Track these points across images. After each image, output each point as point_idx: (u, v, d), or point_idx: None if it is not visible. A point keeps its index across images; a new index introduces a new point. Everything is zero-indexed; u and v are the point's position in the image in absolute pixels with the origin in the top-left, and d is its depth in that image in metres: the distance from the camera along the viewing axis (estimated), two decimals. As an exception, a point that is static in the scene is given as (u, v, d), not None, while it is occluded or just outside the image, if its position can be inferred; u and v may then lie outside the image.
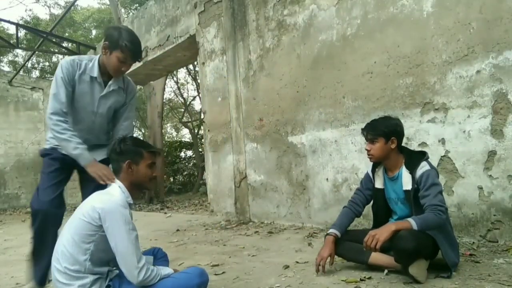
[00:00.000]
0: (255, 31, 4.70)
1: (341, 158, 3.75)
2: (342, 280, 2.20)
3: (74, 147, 2.08)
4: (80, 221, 1.68)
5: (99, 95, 2.28)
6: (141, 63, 2.04)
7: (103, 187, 1.94)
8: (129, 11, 16.24)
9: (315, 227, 3.95)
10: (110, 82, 2.29)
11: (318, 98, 3.95)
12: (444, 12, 2.99)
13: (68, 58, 2.21)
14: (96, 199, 1.74)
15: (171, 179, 13.02)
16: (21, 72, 11.69)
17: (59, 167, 2.26)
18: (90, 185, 2.09)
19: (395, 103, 3.31)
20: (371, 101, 3.48)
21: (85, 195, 2.16)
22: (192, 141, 14.25)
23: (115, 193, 1.78)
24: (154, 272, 1.71)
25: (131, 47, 2.12)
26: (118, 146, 1.87)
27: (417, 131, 3.15)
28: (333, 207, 3.81)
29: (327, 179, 3.89)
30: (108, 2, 12.31)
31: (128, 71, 2.30)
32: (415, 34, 3.16)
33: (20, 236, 5.13)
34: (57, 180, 2.24)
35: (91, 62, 2.23)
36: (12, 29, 17.51)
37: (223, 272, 2.57)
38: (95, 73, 2.22)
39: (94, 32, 18.93)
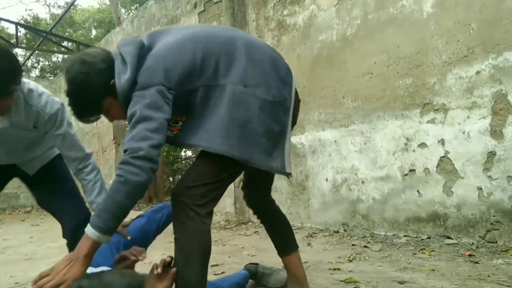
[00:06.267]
0: (255, 31, 4.69)
1: (341, 159, 3.75)
2: (341, 281, 2.20)
3: None
4: None
5: None
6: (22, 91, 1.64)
7: (59, 191, 1.88)
8: (129, 11, 16.26)
9: (315, 227, 3.95)
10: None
11: (318, 98, 3.95)
12: (444, 12, 2.99)
13: None
14: None
15: (171, 179, 13.00)
16: (21, 72, 11.67)
17: None
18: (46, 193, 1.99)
19: (395, 104, 3.31)
20: (371, 102, 3.48)
21: (43, 203, 2.05)
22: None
23: None
24: None
25: None
26: None
27: (417, 131, 3.15)
28: (333, 208, 3.81)
29: (326, 179, 3.89)
30: (108, 2, 12.30)
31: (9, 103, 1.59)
32: (415, 35, 3.17)
33: (19, 235, 5.13)
34: None
35: None
36: (12, 29, 17.53)
37: (223, 272, 2.57)
38: None
39: (94, 32, 18.95)
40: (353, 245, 3.13)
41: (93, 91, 1.38)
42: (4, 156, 1.92)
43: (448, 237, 2.93)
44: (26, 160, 2.00)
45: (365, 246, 3.04)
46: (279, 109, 1.42)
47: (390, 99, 3.34)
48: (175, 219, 1.37)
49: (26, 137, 1.87)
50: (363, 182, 3.55)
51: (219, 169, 1.39)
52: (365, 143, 3.54)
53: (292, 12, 4.24)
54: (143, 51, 1.39)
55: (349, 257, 2.73)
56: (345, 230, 3.64)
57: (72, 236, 1.93)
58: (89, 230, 1.24)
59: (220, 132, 1.32)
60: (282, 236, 1.85)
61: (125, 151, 1.26)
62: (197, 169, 1.39)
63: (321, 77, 3.93)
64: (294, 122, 1.61)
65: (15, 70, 1.49)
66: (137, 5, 16.06)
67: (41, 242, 4.44)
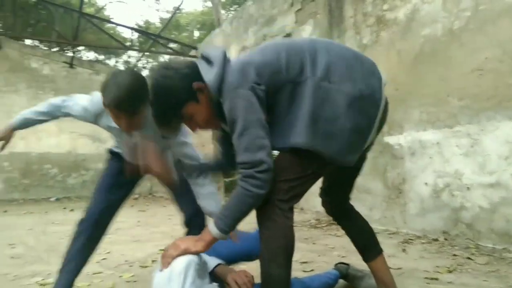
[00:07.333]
0: (352, 28, 4.58)
1: (443, 162, 3.49)
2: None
3: None
4: None
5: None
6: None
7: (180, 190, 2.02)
8: (228, 12, 16.96)
9: (411, 233, 3.74)
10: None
11: (419, 97, 3.72)
12: None
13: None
14: None
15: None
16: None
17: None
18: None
19: (509, 103, 2.97)
20: (481, 101, 3.18)
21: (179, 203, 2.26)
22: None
23: None
24: None
25: (112, 103, 1.60)
26: None
27: (536, 134, 2.80)
28: (432, 213, 3.56)
29: (426, 183, 3.65)
30: (210, 4, 12.97)
31: (136, 124, 1.77)
32: (537, 26, 2.81)
33: (128, 219, 5.68)
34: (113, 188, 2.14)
35: None
36: (126, 33, 19.44)
37: (312, 270, 2.57)
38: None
39: (197, 33, 20.16)
40: (454, 255, 2.90)
41: (176, 95, 1.40)
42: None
43: None
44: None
45: (468, 258, 2.79)
46: (368, 103, 1.40)
47: (504, 98, 3.01)
48: (260, 214, 1.42)
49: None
50: (468, 188, 3.26)
51: (303, 165, 1.41)
52: (472, 146, 3.25)
53: (393, 6, 4.04)
54: (227, 57, 1.44)
55: (449, 268, 2.54)
56: (445, 239, 3.38)
57: (189, 224, 2.19)
58: (213, 230, 1.37)
59: (304, 128, 1.33)
60: (363, 241, 1.83)
61: (243, 163, 1.30)
62: (281, 164, 1.41)
63: (423, 74, 3.69)
64: (380, 126, 1.55)
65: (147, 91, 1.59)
66: (236, 6, 16.69)
67: (146, 226, 4.88)
